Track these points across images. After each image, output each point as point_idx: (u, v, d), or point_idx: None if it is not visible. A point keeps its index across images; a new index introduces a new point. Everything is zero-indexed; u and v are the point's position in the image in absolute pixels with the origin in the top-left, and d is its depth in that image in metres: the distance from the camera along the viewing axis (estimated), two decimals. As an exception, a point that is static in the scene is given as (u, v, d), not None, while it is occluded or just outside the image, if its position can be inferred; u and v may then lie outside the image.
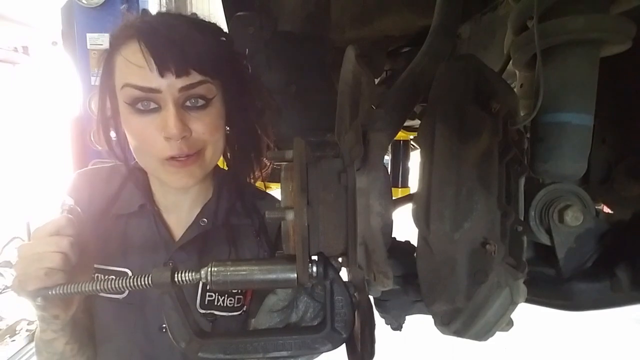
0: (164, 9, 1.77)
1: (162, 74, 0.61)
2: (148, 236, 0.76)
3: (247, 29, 1.07)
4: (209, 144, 0.69)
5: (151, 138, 0.65)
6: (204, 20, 0.72)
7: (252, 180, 0.87)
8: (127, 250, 0.75)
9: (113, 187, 0.78)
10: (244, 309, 0.78)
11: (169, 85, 0.62)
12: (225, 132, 0.74)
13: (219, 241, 0.78)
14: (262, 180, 0.90)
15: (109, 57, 0.68)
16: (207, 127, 0.67)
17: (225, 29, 0.81)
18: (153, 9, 1.70)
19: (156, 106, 0.64)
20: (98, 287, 0.53)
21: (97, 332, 0.79)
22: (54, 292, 0.55)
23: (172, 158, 0.65)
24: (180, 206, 0.79)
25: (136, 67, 0.62)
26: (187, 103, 0.65)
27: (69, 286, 0.54)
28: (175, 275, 0.50)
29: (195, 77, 0.64)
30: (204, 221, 0.77)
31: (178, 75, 0.62)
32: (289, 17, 1.12)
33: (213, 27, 0.73)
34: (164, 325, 0.72)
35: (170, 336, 0.52)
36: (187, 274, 0.50)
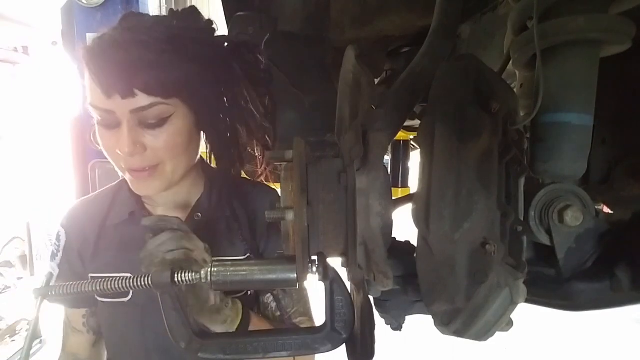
0: (164, 9, 1.77)
1: (108, 96, 0.62)
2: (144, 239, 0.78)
3: (247, 29, 1.07)
4: (168, 160, 0.69)
5: (113, 150, 0.67)
6: (174, 26, 0.69)
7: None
8: (126, 256, 0.76)
9: (106, 203, 0.82)
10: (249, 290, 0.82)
11: (119, 106, 0.63)
12: (193, 144, 0.74)
13: (214, 234, 0.80)
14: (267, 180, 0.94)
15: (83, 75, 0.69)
16: (163, 143, 0.67)
17: (220, 29, 0.80)
18: (153, 9, 1.70)
19: (117, 122, 0.66)
20: (98, 288, 0.53)
21: (109, 338, 0.83)
22: (54, 292, 0.55)
23: (131, 169, 0.69)
24: (173, 205, 0.81)
25: (91, 89, 0.65)
26: (145, 121, 0.66)
27: (69, 286, 0.54)
28: (175, 275, 0.50)
29: (144, 99, 0.63)
30: (198, 216, 0.80)
31: (123, 96, 0.62)
32: (289, 17, 1.12)
33: (181, 37, 0.67)
34: None
35: (170, 336, 0.52)
36: (187, 274, 0.50)
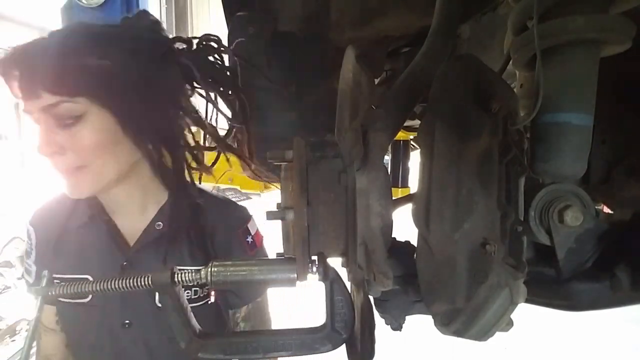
0: (164, 9, 1.78)
1: (22, 99, 0.65)
2: (103, 242, 0.79)
3: (247, 29, 1.07)
4: (92, 161, 0.68)
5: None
6: (99, 31, 0.69)
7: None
8: (84, 258, 0.78)
9: (67, 204, 0.82)
10: (207, 300, 0.81)
11: (32, 106, 0.66)
12: (120, 146, 0.71)
13: (177, 242, 0.79)
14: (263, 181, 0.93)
15: None
16: (80, 143, 0.67)
17: (220, 29, 0.81)
18: (153, 9, 1.70)
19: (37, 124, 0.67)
20: (98, 288, 0.53)
21: (70, 336, 0.84)
22: (53, 293, 0.55)
23: (56, 170, 0.69)
24: (130, 210, 0.81)
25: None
26: (59, 121, 0.66)
27: (68, 286, 0.54)
28: (175, 275, 0.50)
29: (50, 98, 0.64)
30: (159, 224, 0.80)
31: (26, 98, 0.65)
32: (289, 17, 1.12)
33: (103, 40, 0.68)
34: (127, 322, 0.78)
35: (173, 336, 0.52)
36: (187, 275, 0.50)
